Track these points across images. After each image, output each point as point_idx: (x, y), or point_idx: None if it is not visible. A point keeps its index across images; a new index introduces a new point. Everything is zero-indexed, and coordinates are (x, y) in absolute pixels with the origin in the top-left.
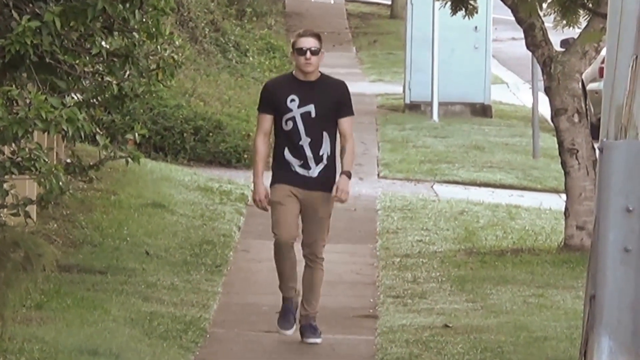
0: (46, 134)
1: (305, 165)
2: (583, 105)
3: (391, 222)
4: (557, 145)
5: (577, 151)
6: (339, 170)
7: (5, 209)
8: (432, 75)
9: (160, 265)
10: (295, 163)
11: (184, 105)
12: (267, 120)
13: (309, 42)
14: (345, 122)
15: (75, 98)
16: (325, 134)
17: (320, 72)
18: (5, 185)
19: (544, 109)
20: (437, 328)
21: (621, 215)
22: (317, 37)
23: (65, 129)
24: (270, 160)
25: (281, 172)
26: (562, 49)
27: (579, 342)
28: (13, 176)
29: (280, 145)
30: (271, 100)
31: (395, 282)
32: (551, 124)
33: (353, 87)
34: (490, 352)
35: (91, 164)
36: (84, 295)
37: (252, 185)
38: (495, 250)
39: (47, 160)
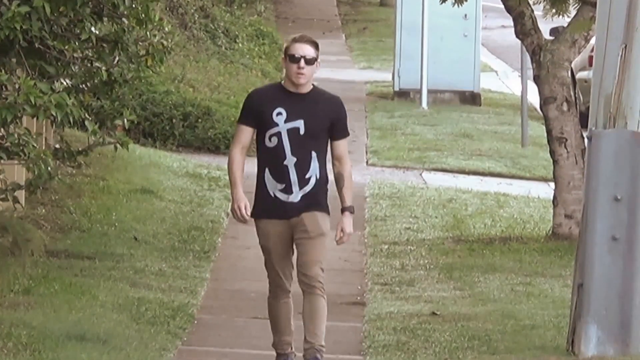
0: (35, 119)
1: (287, 190)
2: (572, 93)
3: (379, 209)
4: (546, 134)
5: (566, 140)
6: (326, 193)
7: None
8: (421, 63)
9: (149, 251)
10: (275, 187)
11: (173, 91)
12: (247, 133)
13: (303, 50)
14: (340, 145)
15: (65, 83)
16: (313, 154)
17: (313, 84)
18: None
19: (533, 97)
20: (425, 316)
21: (609, 204)
22: (314, 44)
23: (54, 114)
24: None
25: (260, 201)
26: (552, 38)
27: (567, 330)
28: (2, 161)
29: (261, 165)
30: (255, 112)
31: (383, 269)
32: (540, 112)
33: (342, 74)
34: (477, 340)
35: (80, 149)
36: (72, 280)
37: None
38: (483, 238)
39: (35, 145)
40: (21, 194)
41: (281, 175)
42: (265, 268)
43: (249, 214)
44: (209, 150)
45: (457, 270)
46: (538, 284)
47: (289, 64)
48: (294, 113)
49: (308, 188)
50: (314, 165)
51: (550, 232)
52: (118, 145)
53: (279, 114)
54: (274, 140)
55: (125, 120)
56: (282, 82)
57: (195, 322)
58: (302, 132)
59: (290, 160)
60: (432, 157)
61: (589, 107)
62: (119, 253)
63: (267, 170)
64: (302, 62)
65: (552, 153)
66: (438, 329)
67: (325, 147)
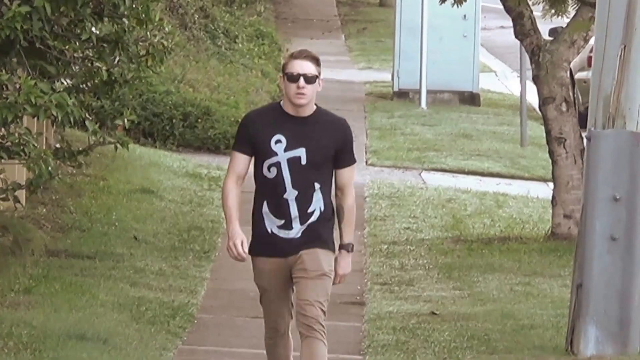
0: (36, 119)
1: (287, 226)
2: (571, 94)
3: (379, 209)
4: (544, 134)
5: (565, 140)
6: (332, 226)
7: None
8: (420, 63)
9: (149, 250)
10: (273, 222)
11: (173, 92)
12: (243, 161)
13: (303, 67)
14: (345, 173)
15: (65, 83)
16: (316, 185)
17: (316, 105)
18: None
19: (532, 97)
20: (424, 315)
21: (608, 204)
22: (315, 60)
23: (55, 114)
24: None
25: (256, 237)
26: (551, 38)
27: (566, 330)
28: (2, 161)
29: (258, 198)
30: (252, 138)
31: (383, 269)
32: (539, 112)
33: (342, 75)
34: (477, 339)
35: (80, 149)
36: (72, 280)
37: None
38: (482, 238)
39: (36, 145)
40: (22, 194)
41: (280, 210)
42: (261, 306)
43: (246, 250)
44: (208, 150)
45: (456, 270)
46: (537, 283)
47: (288, 84)
48: (294, 140)
49: (310, 223)
50: (317, 197)
51: (549, 232)
52: (118, 145)
53: (278, 141)
54: (273, 170)
55: (126, 120)
56: (281, 103)
57: (195, 321)
58: (303, 161)
59: (290, 194)
60: (432, 157)
61: (587, 108)
62: (119, 253)
63: (265, 204)
64: (302, 81)
65: (551, 153)
66: (437, 328)
67: (330, 177)
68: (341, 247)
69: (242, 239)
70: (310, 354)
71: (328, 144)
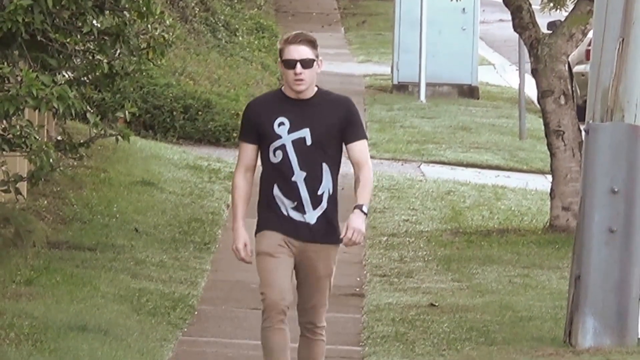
0: (37, 111)
1: (300, 208)
2: (569, 87)
3: (378, 201)
4: (543, 127)
5: (563, 133)
6: (337, 210)
7: None
8: (419, 57)
9: (149, 242)
10: (287, 204)
11: (174, 84)
12: (250, 151)
13: (299, 52)
14: (356, 147)
15: (66, 76)
16: (325, 166)
17: (317, 86)
18: None
19: (531, 90)
20: (423, 307)
21: (606, 197)
22: (311, 43)
23: (56, 106)
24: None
25: (269, 216)
26: (549, 32)
27: (564, 322)
28: (4, 153)
29: (267, 182)
30: (255, 125)
31: (382, 261)
32: (537, 105)
33: (341, 68)
34: (475, 331)
35: (81, 141)
36: (73, 271)
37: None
38: (481, 230)
39: (37, 137)
40: (23, 186)
41: (291, 193)
42: (260, 284)
43: (250, 253)
44: (209, 143)
45: (455, 261)
46: (535, 275)
47: (285, 70)
48: (297, 122)
49: (323, 207)
50: (326, 179)
51: (548, 224)
52: (119, 138)
53: (281, 124)
54: (279, 154)
55: (127, 112)
56: (282, 88)
57: (196, 313)
58: (309, 142)
59: (299, 176)
60: (431, 149)
61: (586, 101)
62: (120, 244)
63: (275, 186)
64: (299, 67)
65: (549, 146)
66: (436, 320)
67: (338, 158)
68: (356, 207)
69: (245, 241)
70: (307, 350)
71: (332, 122)
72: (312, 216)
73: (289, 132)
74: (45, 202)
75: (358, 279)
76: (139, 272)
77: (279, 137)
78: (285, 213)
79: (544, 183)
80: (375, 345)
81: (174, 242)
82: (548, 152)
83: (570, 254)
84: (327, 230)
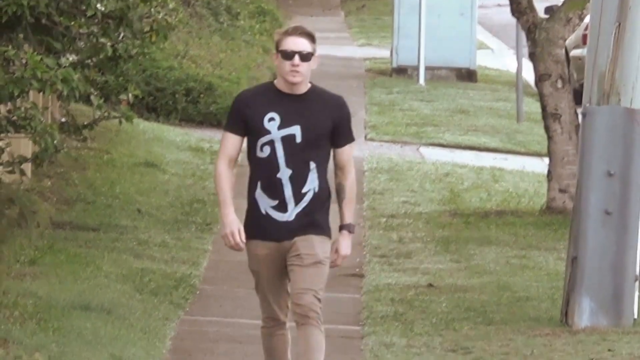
0: (41, 93)
1: (281, 207)
2: (566, 71)
3: (378, 183)
4: (540, 110)
5: (560, 116)
6: (327, 210)
7: (0, 167)
8: (419, 40)
9: (152, 223)
10: (267, 203)
11: (176, 67)
12: (234, 142)
13: (298, 44)
14: (343, 152)
15: (71, 59)
16: (312, 165)
17: (311, 82)
18: (1, 143)
19: (528, 74)
20: (422, 287)
21: (603, 179)
22: (310, 37)
23: (60, 88)
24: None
25: (251, 219)
26: (547, 16)
27: (561, 302)
28: (9, 134)
29: (253, 178)
30: (244, 117)
31: (381, 242)
32: (535, 89)
33: (341, 51)
34: (473, 311)
35: (85, 123)
36: (76, 251)
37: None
38: (479, 211)
39: (42, 119)
40: (28, 167)
41: (274, 190)
42: (256, 293)
43: (243, 239)
44: (210, 125)
45: (454, 242)
46: (533, 256)
47: (282, 61)
48: (288, 118)
49: (304, 204)
50: (312, 177)
51: (545, 206)
52: (122, 120)
53: (272, 119)
54: (267, 149)
55: (130, 95)
56: (274, 81)
57: (197, 292)
58: (298, 139)
59: (284, 173)
60: (429, 132)
61: (582, 85)
62: (122, 225)
63: (258, 184)
64: (297, 58)
65: (546, 129)
66: (435, 300)
67: (327, 157)
68: (342, 227)
69: (238, 226)
70: (306, 342)
71: (324, 121)
72: (291, 213)
73: (279, 128)
74: (49, 183)
75: (358, 259)
76: (141, 252)
77: (268, 132)
78: (263, 212)
79: (541, 165)
80: (375, 325)
81: (176, 223)
82: (545, 135)
83: (567, 236)
84: (307, 224)
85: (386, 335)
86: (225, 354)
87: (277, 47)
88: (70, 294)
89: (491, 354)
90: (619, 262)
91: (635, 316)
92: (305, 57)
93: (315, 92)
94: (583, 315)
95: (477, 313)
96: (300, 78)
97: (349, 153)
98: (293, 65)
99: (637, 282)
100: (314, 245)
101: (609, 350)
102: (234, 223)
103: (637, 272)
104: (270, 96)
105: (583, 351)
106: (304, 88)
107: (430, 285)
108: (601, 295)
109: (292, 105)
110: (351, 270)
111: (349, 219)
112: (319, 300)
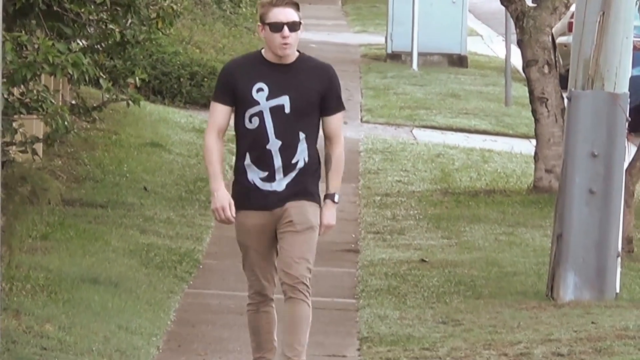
0: (53, 77)
1: (270, 178)
2: (553, 57)
3: (372, 163)
4: (528, 94)
5: (547, 100)
6: (318, 179)
7: (14, 146)
8: (412, 28)
9: (157, 200)
10: (256, 175)
11: (181, 52)
12: (224, 112)
13: (286, 15)
14: (333, 121)
15: (81, 44)
16: (302, 135)
17: (299, 51)
18: (14, 124)
19: (516, 60)
20: (414, 262)
21: (587, 160)
22: (295, 5)
23: (71, 72)
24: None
25: (238, 190)
26: (534, 5)
27: (546, 277)
28: (22, 116)
29: (241, 150)
30: (232, 88)
31: (376, 219)
32: (523, 74)
33: (338, 38)
34: (463, 285)
35: (94, 105)
36: (86, 227)
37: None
38: (469, 190)
39: (53, 101)
40: (39, 147)
41: (263, 162)
42: (243, 270)
43: (234, 214)
44: None
45: (445, 220)
46: (520, 233)
47: (270, 34)
48: (277, 88)
49: (294, 174)
50: (302, 148)
51: (532, 185)
52: (130, 102)
53: (260, 90)
54: (255, 121)
55: (137, 78)
56: (262, 51)
57: (201, 267)
58: (287, 110)
59: (274, 144)
60: (422, 115)
61: (568, 70)
62: (129, 202)
63: (247, 155)
64: (286, 30)
65: (533, 112)
66: (426, 274)
67: (316, 127)
68: (326, 197)
69: (229, 201)
70: (292, 315)
71: (313, 91)
72: (281, 183)
73: (268, 98)
74: (60, 162)
75: (353, 235)
76: (147, 228)
77: (257, 103)
78: (252, 183)
79: (528, 147)
80: (369, 298)
81: (180, 200)
82: (532, 118)
83: (553, 214)
84: (298, 191)
85: (380, 308)
86: (227, 325)
87: (262, 19)
88: (79, 268)
89: (480, 326)
90: (603, 239)
91: (618, 290)
92: (294, 26)
93: (303, 61)
94: (568, 289)
95: (466, 287)
96: (290, 50)
97: (338, 122)
98: (283, 37)
99: (619, 258)
100: (307, 211)
101: (592, 322)
102: (224, 197)
103: (619, 249)
104: (258, 66)
105: (567, 323)
106: (292, 57)
107: (423, 260)
108: (585, 270)
109: (280, 76)
110: (347, 246)
111: (333, 189)
112: (310, 271)
